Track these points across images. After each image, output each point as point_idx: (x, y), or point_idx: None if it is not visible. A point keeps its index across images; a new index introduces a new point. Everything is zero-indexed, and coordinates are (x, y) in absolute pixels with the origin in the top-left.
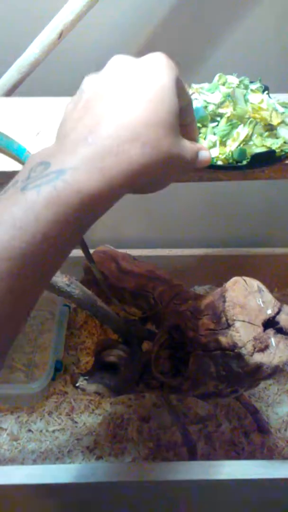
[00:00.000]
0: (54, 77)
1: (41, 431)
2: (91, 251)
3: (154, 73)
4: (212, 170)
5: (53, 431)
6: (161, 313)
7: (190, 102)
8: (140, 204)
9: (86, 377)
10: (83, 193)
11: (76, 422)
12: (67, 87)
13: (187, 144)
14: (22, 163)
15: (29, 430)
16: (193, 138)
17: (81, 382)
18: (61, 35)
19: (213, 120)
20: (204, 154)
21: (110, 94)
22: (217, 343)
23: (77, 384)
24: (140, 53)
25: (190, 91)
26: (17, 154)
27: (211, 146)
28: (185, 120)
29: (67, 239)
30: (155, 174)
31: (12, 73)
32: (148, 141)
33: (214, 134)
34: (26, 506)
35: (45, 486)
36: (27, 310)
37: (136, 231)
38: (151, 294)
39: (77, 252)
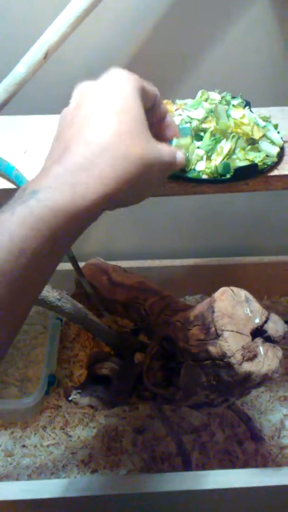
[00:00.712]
0: (41, 96)
1: (35, 446)
2: (82, 264)
3: (114, 87)
4: (198, 184)
5: (48, 446)
6: (152, 324)
7: (156, 98)
8: (130, 217)
9: (79, 390)
10: (56, 209)
11: (70, 436)
12: (54, 105)
13: (163, 147)
14: (12, 181)
15: (24, 446)
16: (172, 133)
17: (74, 396)
18: (46, 55)
19: (197, 135)
20: (180, 155)
21: (80, 117)
22: (207, 353)
23: (70, 398)
24: (128, 66)
25: (174, 107)
26: (6, 173)
27: (198, 159)
28: (155, 117)
29: (47, 255)
30: (134, 184)
31: None
32: (118, 152)
33: (198, 147)
34: None
35: (41, 501)
36: (16, 326)
37: (127, 243)
38: (142, 305)
39: (68, 266)
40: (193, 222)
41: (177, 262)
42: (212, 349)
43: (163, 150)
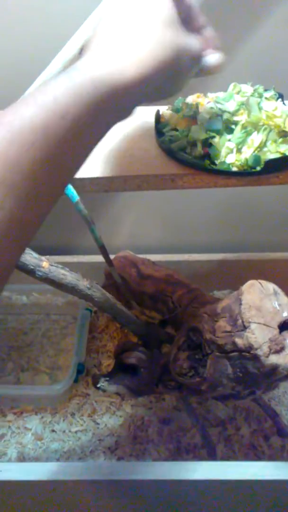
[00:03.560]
0: None
1: (64, 431)
2: (112, 256)
3: None
4: (228, 176)
5: (76, 432)
6: (180, 316)
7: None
8: (159, 210)
9: (107, 378)
10: (96, 79)
11: (97, 423)
12: None
13: (192, 37)
14: None
15: (53, 431)
16: (212, 44)
17: (102, 383)
18: (82, 51)
19: (228, 128)
20: (213, 55)
21: (117, 14)
22: (234, 345)
23: (98, 385)
24: None
25: (206, 100)
26: None
27: (229, 152)
28: (195, 20)
29: (87, 125)
30: (168, 68)
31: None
32: (154, 37)
33: (229, 140)
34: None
35: (70, 483)
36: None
37: (155, 237)
38: (170, 298)
39: (98, 258)
40: (222, 216)
41: (205, 256)
42: (239, 340)
43: (192, 39)
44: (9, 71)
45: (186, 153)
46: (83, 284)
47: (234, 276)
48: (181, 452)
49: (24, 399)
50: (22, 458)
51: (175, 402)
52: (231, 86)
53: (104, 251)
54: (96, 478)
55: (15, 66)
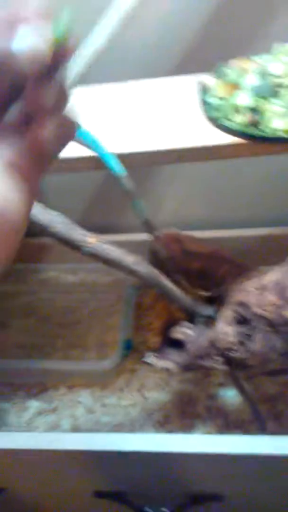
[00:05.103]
0: (115, 63)
1: (114, 405)
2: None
3: None
4: (273, 143)
5: (125, 406)
6: (226, 291)
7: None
8: (201, 185)
9: (155, 353)
10: None
11: (146, 398)
12: (130, 71)
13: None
14: (91, 148)
15: (103, 405)
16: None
17: (150, 358)
18: (122, 22)
19: (275, 92)
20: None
21: None
22: (283, 319)
23: (146, 360)
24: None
25: (250, 64)
26: (86, 140)
27: (276, 117)
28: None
29: None
30: None
31: (77, 63)
32: None
33: (275, 104)
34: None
35: (124, 454)
36: None
37: (199, 213)
38: (216, 273)
39: (141, 237)
40: (266, 189)
41: (249, 231)
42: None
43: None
44: None
45: (232, 121)
46: (129, 259)
47: (281, 251)
48: (230, 427)
49: (75, 374)
50: (75, 429)
51: (222, 379)
52: (275, 47)
53: (148, 226)
54: (151, 450)
55: None
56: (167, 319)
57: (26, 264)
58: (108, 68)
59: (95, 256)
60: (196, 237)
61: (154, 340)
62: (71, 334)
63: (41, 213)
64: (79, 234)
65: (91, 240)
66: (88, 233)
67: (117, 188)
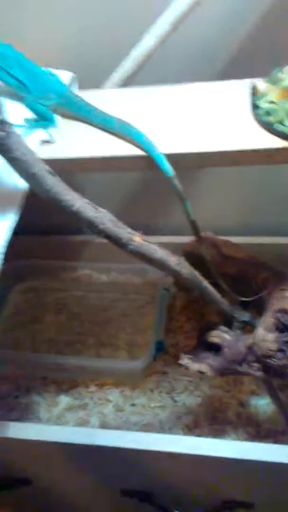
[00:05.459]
0: (167, 66)
1: (143, 406)
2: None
3: None
4: None
5: (154, 407)
6: (266, 298)
7: None
8: (240, 190)
9: (190, 356)
10: None
11: (176, 401)
12: (181, 75)
13: None
14: (142, 148)
15: (132, 404)
16: None
17: (185, 360)
18: (174, 26)
19: None
20: None
21: None
22: None
23: (181, 361)
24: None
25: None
26: (137, 140)
27: None
28: None
29: None
30: None
31: (128, 64)
32: None
33: None
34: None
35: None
36: None
37: (236, 218)
38: (254, 279)
39: (175, 239)
40: None
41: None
42: None
43: None
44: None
45: (286, 126)
46: (172, 260)
47: None
48: (261, 436)
49: (105, 372)
50: (104, 426)
51: (254, 386)
52: None
53: (194, 225)
54: (179, 452)
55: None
56: (204, 320)
57: (59, 261)
58: (161, 70)
59: (140, 255)
60: (233, 242)
61: (186, 343)
62: (102, 332)
63: (91, 210)
64: (126, 232)
65: (137, 239)
66: (136, 232)
67: (147, 191)
